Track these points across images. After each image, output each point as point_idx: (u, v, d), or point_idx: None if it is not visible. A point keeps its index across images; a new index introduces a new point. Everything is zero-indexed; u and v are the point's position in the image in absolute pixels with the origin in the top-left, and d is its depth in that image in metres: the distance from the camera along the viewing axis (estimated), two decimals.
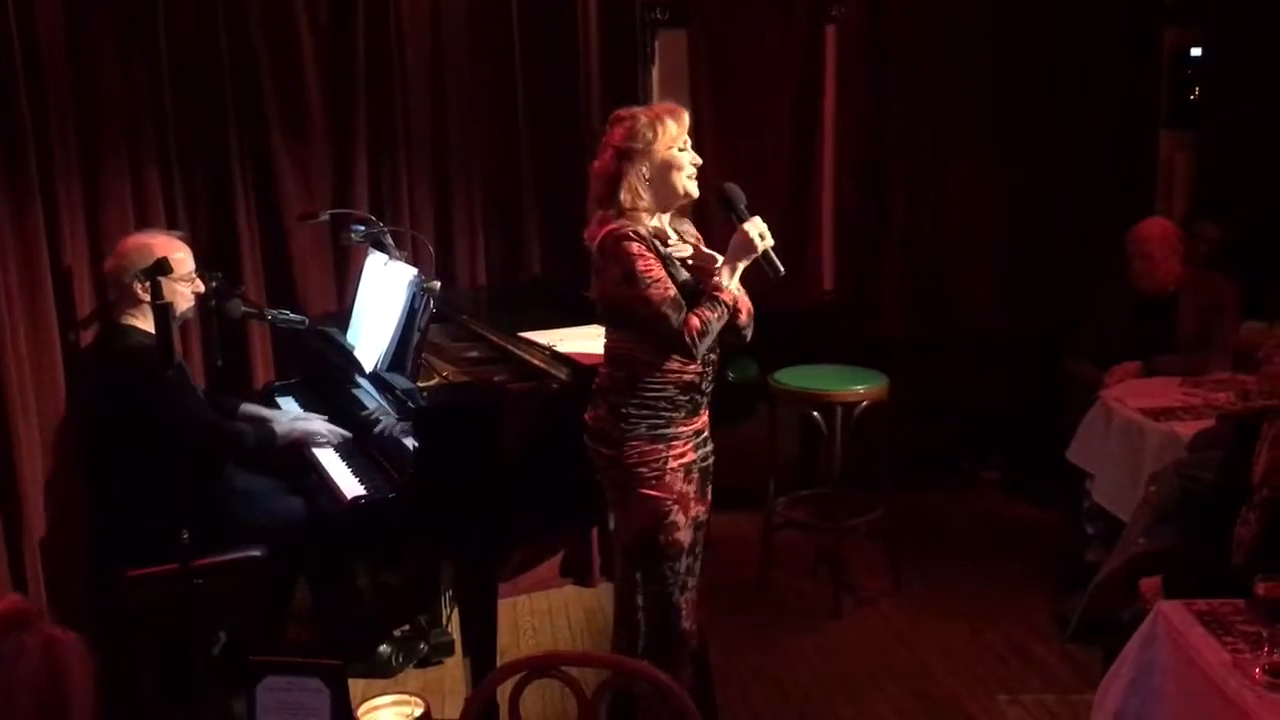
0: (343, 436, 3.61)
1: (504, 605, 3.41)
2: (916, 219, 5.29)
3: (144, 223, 3.75)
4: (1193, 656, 2.33)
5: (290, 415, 3.78)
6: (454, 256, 4.48)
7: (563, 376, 3.26)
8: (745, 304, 2.91)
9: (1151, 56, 5.31)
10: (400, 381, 3.36)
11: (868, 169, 5.24)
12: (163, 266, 3.06)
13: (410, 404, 3.22)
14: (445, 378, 3.49)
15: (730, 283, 2.81)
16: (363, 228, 3.95)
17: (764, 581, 4.41)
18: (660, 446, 2.85)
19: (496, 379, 3.44)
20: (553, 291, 4.35)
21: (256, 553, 3.38)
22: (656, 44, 4.92)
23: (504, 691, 1.98)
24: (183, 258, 3.44)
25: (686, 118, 2.87)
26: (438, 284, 3.46)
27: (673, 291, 2.76)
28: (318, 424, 3.67)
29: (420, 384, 3.35)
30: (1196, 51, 5.29)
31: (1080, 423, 4.12)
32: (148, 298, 3.22)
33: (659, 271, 2.76)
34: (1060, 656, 3.79)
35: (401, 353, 3.43)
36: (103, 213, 3.69)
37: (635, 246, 2.75)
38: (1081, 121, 5.24)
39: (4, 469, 3.20)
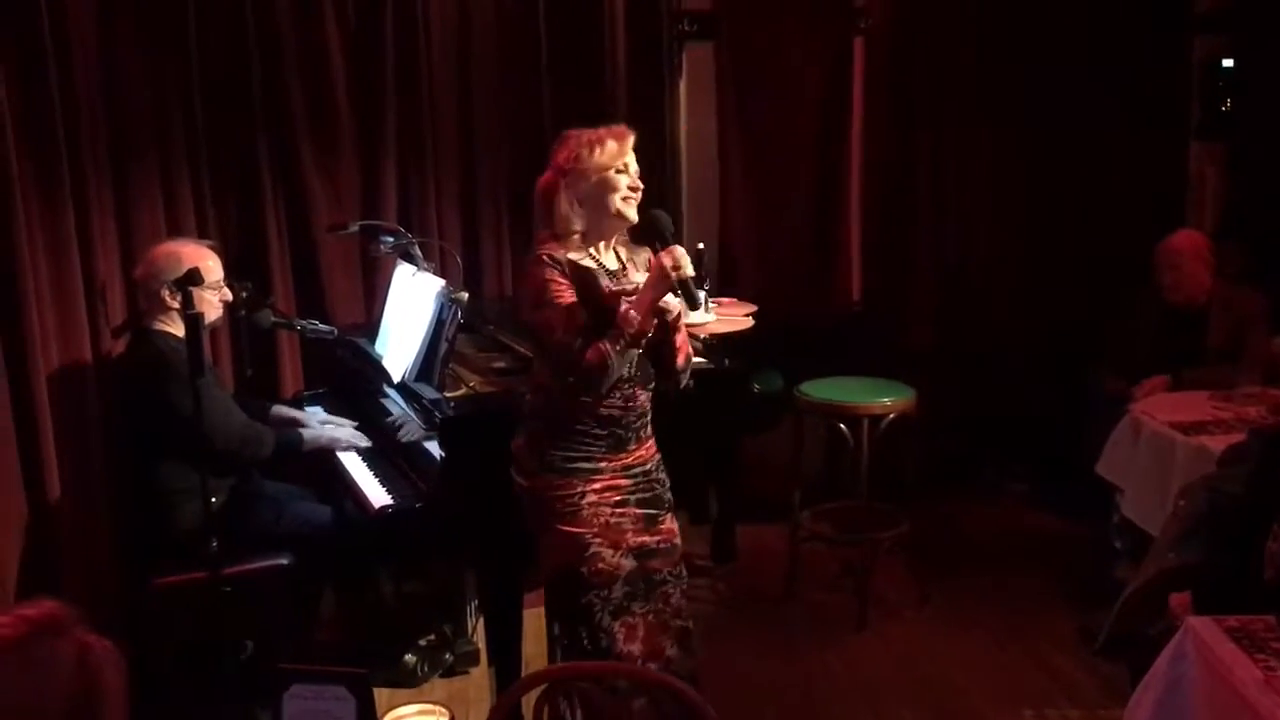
0: (368, 443, 3.63)
1: (529, 615, 3.40)
2: (944, 230, 5.28)
3: (175, 232, 3.80)
4: (1223, 673, 2.30)
5: (319, 419, 3.82)
6: (481, 267, 4.51)
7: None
8: (684, 347, 2.80)
9: (1182, 67, 5.28)
10: (428, 391, 3.38)
11: (895, 180, 5.23)
12: (194, 277, 3.09)
13: (437, 414, 3.23)
14: (472, 388, 3.50)
15: (642, 316, 2.63)
16: (391, 239, 3.97)
17: (789, 594, 4.39)
18: (575, 481, 2.74)
19: (523, 390, 3.45)
20: None
21: (284, 561, 3.40)
22: (684, 57, 4.94)
23: (528, 702, 1.98)
24: (212, 266, 3.47)
25: (630, 140, 2.76)
26: (465, 295, 3.48)
27: (578, 320, 2.65)
28: (345, 431, 3.70)
29: (447, 394, 3.36)
30: (1228, 62, 5.24)
31: (1108, 436, 4.09)
32: (178, 306, 3.27)
33: (567, 298, 2.66)
34: (1087, 671, 3.75)
35: (429, 363, 3.44)
36: (134, 221, 3.74)
37: (547, 271, 2.67)
38: (1111, 132, 5.21)
39: (34, 475, 3.23)
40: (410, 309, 3.70)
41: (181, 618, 3.23)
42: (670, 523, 2.91)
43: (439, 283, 3.61)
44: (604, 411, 2.74)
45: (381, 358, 3.77)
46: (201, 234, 3.86)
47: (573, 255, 2.74)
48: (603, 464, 2.77)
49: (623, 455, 2.80)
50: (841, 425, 4.10)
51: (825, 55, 5.04)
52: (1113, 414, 4.14)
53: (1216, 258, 4.38)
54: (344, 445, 3.64)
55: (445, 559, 3.74)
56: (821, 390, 4.20)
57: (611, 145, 2.73)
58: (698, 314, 3.45)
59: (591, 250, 2.79)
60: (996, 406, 5.25)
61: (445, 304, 3.47)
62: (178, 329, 3.36)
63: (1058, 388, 5.04)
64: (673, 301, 2.72)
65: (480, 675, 3.75)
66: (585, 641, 2.79)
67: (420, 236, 4.15)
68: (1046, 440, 5.10)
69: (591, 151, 2.72)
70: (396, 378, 3.56)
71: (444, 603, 3.97)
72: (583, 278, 2.72)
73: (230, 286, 3.57)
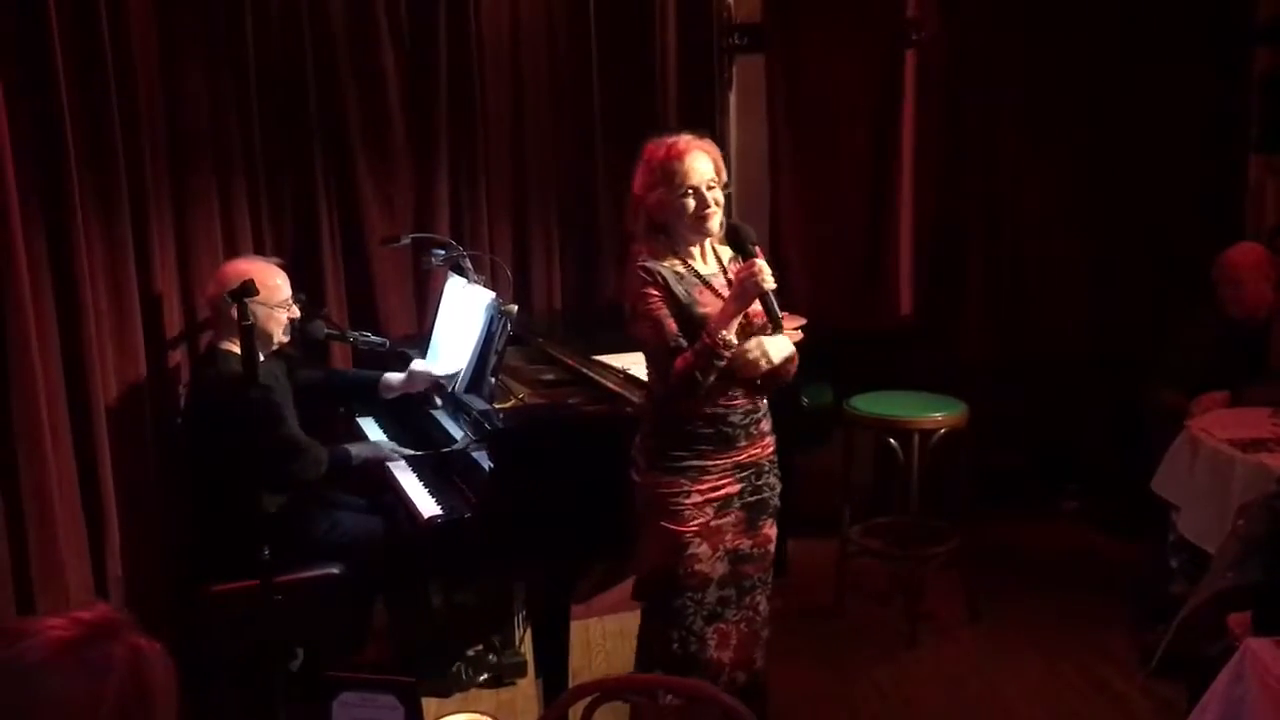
0: (409, 452, 3.65)
1: (577, 627, 3.42)
2: (997, 242, 5.23)
3: (231, 244, 3.86)
4: None
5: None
6: (531, 280, 4.54)
7: (636, 400, 3.27)
8: (772, 358, 2.80)
9: (1242, 77, 5.19)
10: (477, 403, 3.40)
11: (947, 192, 5.19)
12: (248, 288, 3.11)
13: (487, 425, 3.26)
14: (521, 400, 3.53)
15: (727, 329, 2.68)
16: (443, 252, 4.01)
17: (838, 609, 4.36)
18: (682, 480, 2.80)
19: (571, 401, 3.47)
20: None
21: (335, 570, 3.44)
22: (734, 69, 4.94)
23: (575, 713, 1.98)
24: (280, 284, 3.50)
25: (704, 151, 2.79)
26: (515, 307, 3.51)
27: (668, 334, 2.71)
28: (387, 443, 3.74)
29: (497, 405, 3.39)
30: None
31: (1165, 453, 4.03)
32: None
33: (659, 310, 2.72)
34: (1142, 692, 3.69)
35: (479, 375, 3.47)
36: (190, 234, 3.79)
37: (640, 283, 2.74)
38: (1169, 144, 5.13)
39: (90, 484, 3.28)
40: (461, 321, 3.73)
41: (234, 625, 3.28)
42: (770, 528, 2.98)
43: (489, 295, 3.64)
44: (708, 410, 2.80)
45: (432, 369, 3.80)
46: (257, 247, 3.92)
47: (665, 263, 2.78)
48: (710, 462, 2.82)
49: (733, 453, 2.85)
50: (892, 440, 4.07)
51: (876, 67, 5.02)
52: (1170, 430, 4.07)
53: (1275, 269, 4.31)
54: (389, 456, 3.66)
55: (494, 570, 3.76)
56: (872, 404, 4.18)
57: (670, 169, 2.75)
58: None
59: (685, 256, 2.82)
60: (1050, 421, 5.19)
61: (495, 316, 3.49)
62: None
63: (1113, 403, 4.97)
64: (752, 350, 2.75)
65: (527, 686, 3.77)
66: (675, 645, 2.86)
67: (471, 249, 4.18)
68: (1102, 456, 5.04)
69: (653, 181, 2.77)
70: (447, 389, 3.59)
71: (492, 613, 3.99)
72: (674, 288, 2.75)
73: (294, 302, 3.60)
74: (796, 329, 4.27)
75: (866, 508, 4.55)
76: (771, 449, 2.97)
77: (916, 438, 4.05)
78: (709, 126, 4.80)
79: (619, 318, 4.33)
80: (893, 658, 4.04)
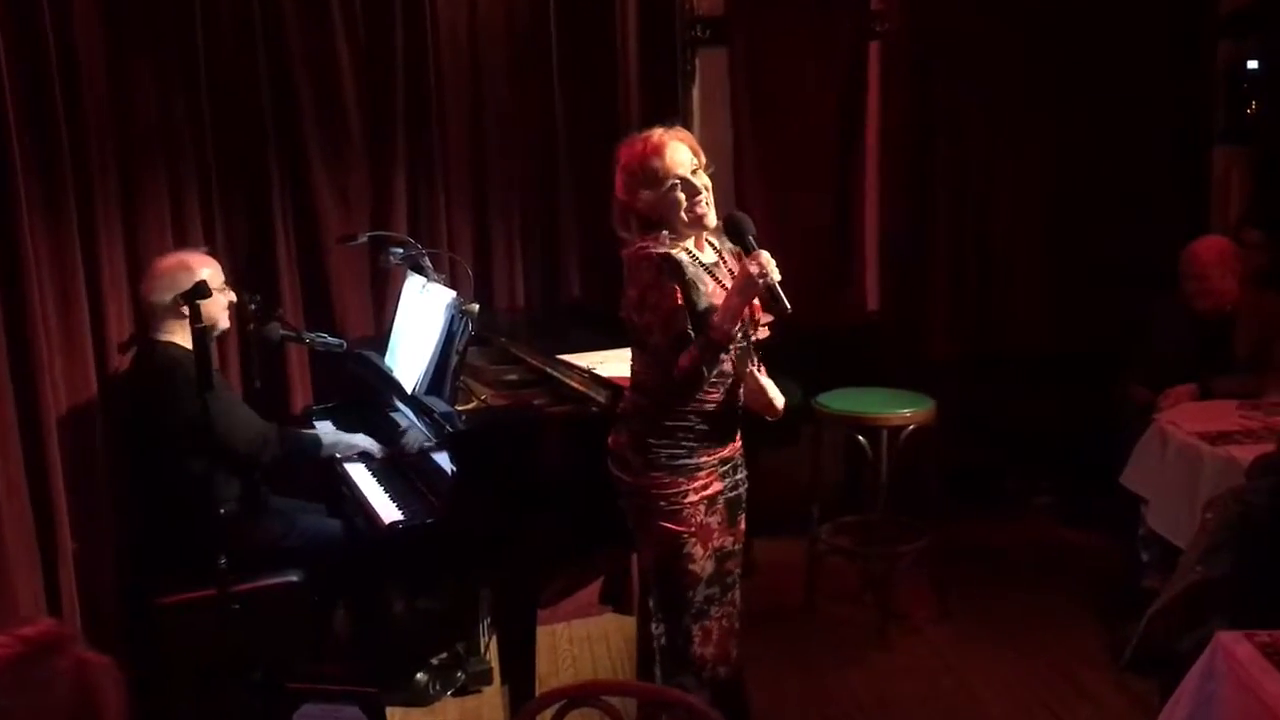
0: (384, 452, 3.67)
1: (543, 633, 3.40)
2: (962, 235, 5.27)
3: (183, 244, 3.81)
4: (1254, 689, 2.28)
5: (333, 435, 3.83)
6: (492, 279, 4.51)
7: (602, 400, 3.26)
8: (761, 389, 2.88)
9: (1206, 69, 5.26)
10: (438, 405, 3.38)
11: (912, 185, 5.22)
12: (202, 290, 3.11)
13: (448, 427, 3.24)
14: (484, 401, 3.51)
15: (727, 321, 2.66)
16: (401, 250, 3.98)
17: (808, 609, 4.38)
18: (681, 479, 2.81)
19: (535, 402, 3.46)
20: (592, 314, 4.36)
21: (294, 578, 3.41)
22: (697, 63, 4.94)
23: None
24: (212, 273, 3.49)
25: (688, 143, 2.80)
26: (476, 306, 3.49)
27: (678, 326, 2.69)
28: (363, 438, 3.73)
29: (459, 407, 3.37)
30: (1253, 64, 5.22)
31: (1135, 447, 4.07)
32: (188, 316, 3.27)
33: (671, 301, 2.70)
34: (1115, 687, 3.73)
35: (440, 376, 3.45)
36: (140, 234, 3.75)
37: (655, 272, 2.70)
38: (1133, 136, 5.18)
39: (39, 492, 3.24)
40: (420, 321, 3.70)
41: (189, 636, 3.24)
42: (743, 523, 3.01)
43: (450, 294, 3.62)
44: (708, 407, 2.81)
45: (392, 370, 3.78)
46: (209, 243, 3.87)
47: (674, 250, 2.76)
48: (704, 458, 2.84)
49: (721, 448, 2.88)
50: (860, 437, 4.09)
51: (840, 60, 5.04)
52: (1139, 424, 4.12)
53: (1242, 261, 4.36)
54: (365, 449, 3.67)
55: (457, 576, 3.74)
56: (840, 401, 4.20)
57: (652, 167, 2.74)
58: None
59: (685, 245, 2.81)
60: (1020, 416, 5.22)
61: (456, 316, 3.47)
62: (183, 339, 3.40)
63: (1083, 397, 5.01)
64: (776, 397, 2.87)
65: (493, 694, 3.75)
66: (664, 640, 2.92)
67: (430, 247, 4.15)
68: (1072, 451, 5.08)
69: (638, 181, 2.76)
70: (407, 390, 3.57)
71: (456, 620, 3.97)
72: (688, 279, 2.73)
73: (239, 298, 3.62)
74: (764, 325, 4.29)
75: (835, 506, 4.57)
76: (741, 444, 3.00)
77: (885, 434, 4.07)
78: (672, 120, 4.79)
79: (584, 315, 4.37)
80: (864, 657, 4.05)
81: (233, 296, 3.62)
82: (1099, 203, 5.22)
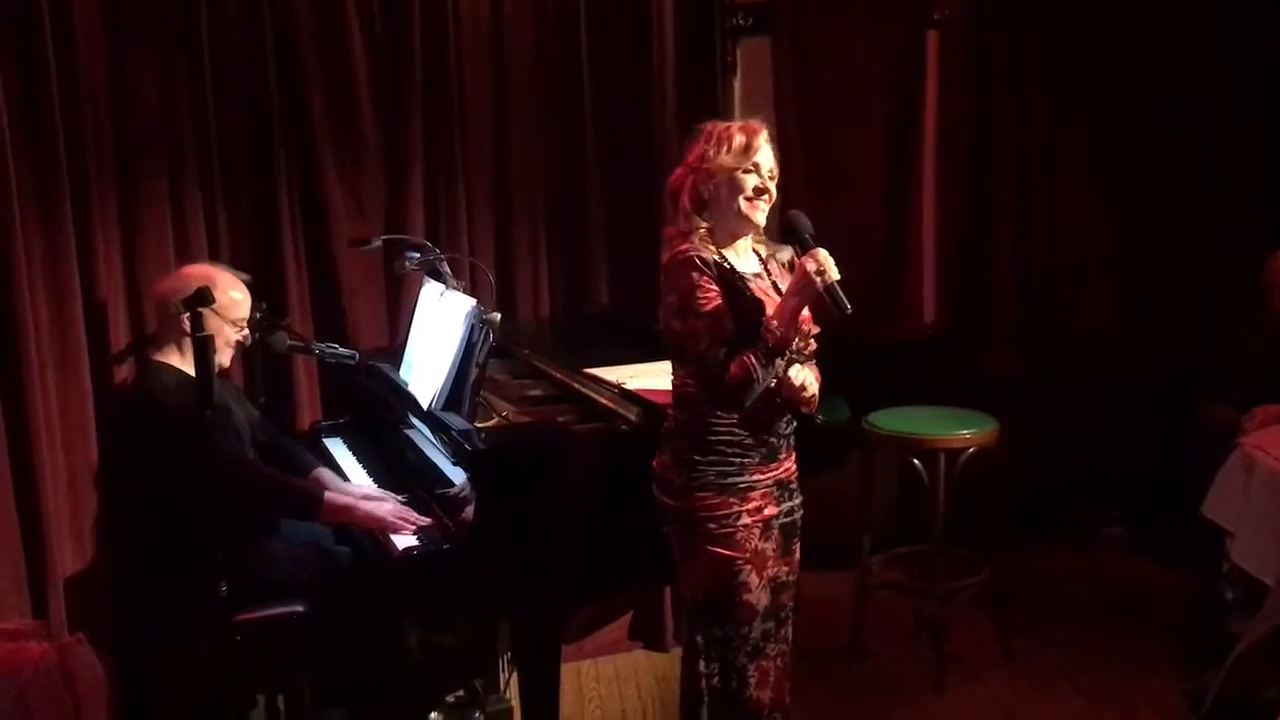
0: (418, 525, 3.38)
1: (567, 670, 3.40)
2: (1027, 242, 5.25)
3: (184, 250, 3.84)
4: None
5: (362, 490, 3.63)
6: (515, 286, 4.52)
7: (632, 417, 3.26)
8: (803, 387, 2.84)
9: None
10: (457, 421, 3.39)
11: (973, 188, 5.20)
12: (204, 295, 3.09)
13: (467, 446, 3.24)
14: (505, 418, 3.52)
15: (784, 325, 2.71)
16: (418, 255, 4.00)
17: (856, 649, 4.36)
18: (733, 500, 2.82)
19: (560, 419, 3.46)
20: (622, 324, 4.37)
21: (299, 608, 3.42)
22: (738, 53, 4.95)
23: None
24: (238, 300, 3.47)
25: (762, 138, 2.86)
26: (498, 316, 3.49)
27: (725, 330, 2.72)
28: (388, 506, 3.44)
29: (478, 424, 3.38)
30: None
31: (1217, 473, 4.03)
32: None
33: (714, 305, 2.73)
34: None
35: (458, 390, 3.46)
36: (139, 239, 3.78)
37: (694, 275, 2.74)
38: (1213, 135, 5.14)
39: (31, 513, 3.27)
40: (438, 331, 3.72)
41: (190, 668, 3.26)
42: (798, 552, 3.03)
43: (469, 302, 3.63)
44: (757, 419, 2.82)
45: (407, 384, 3.79)
46: (213, 251, 3.90)
47: (711, 254, 2.79)
48: (756, 477, 2.85)
49: (774, 467, 2.89)
50: (915, 461, 4.07)
51: (895, 50, 5.04)
52: (1221, 449, 4.08)
53: None
54: (383, 523, 3.38)
55: (475, 607, 3.74)
56: (892, 421, 4.18)
57: (740, 141, 2.83)
58: None
59: (724, 250, 2.85)
60: (1089, 440, 5.19)
61: (476, 326, 3.48)
62: (183, 362, 3.39)
63: (1158, 419, 4.98)
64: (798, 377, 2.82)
65: None
66: (716, 680, 2.92)
67: (449, 252, 4.17)
68: (1146, 478, 5.04)
69: (719, 148, 2.82)
70: (424, 406, 3.58)
71: (473, 655, 3.98)
72: (730, 282, 2.78)
73: (250, 323, 3.55)
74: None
75: (888, 536, 4.55)
76: (796, 467, 3.01)
77: (942, 458, 4.04)
78: (710, 115, 4.80)
79: (614, 327, 4.37)
80: (917, 702, 4.03)
81: (247, 339, 3.55)
82: (1177, 206, 5.18)
